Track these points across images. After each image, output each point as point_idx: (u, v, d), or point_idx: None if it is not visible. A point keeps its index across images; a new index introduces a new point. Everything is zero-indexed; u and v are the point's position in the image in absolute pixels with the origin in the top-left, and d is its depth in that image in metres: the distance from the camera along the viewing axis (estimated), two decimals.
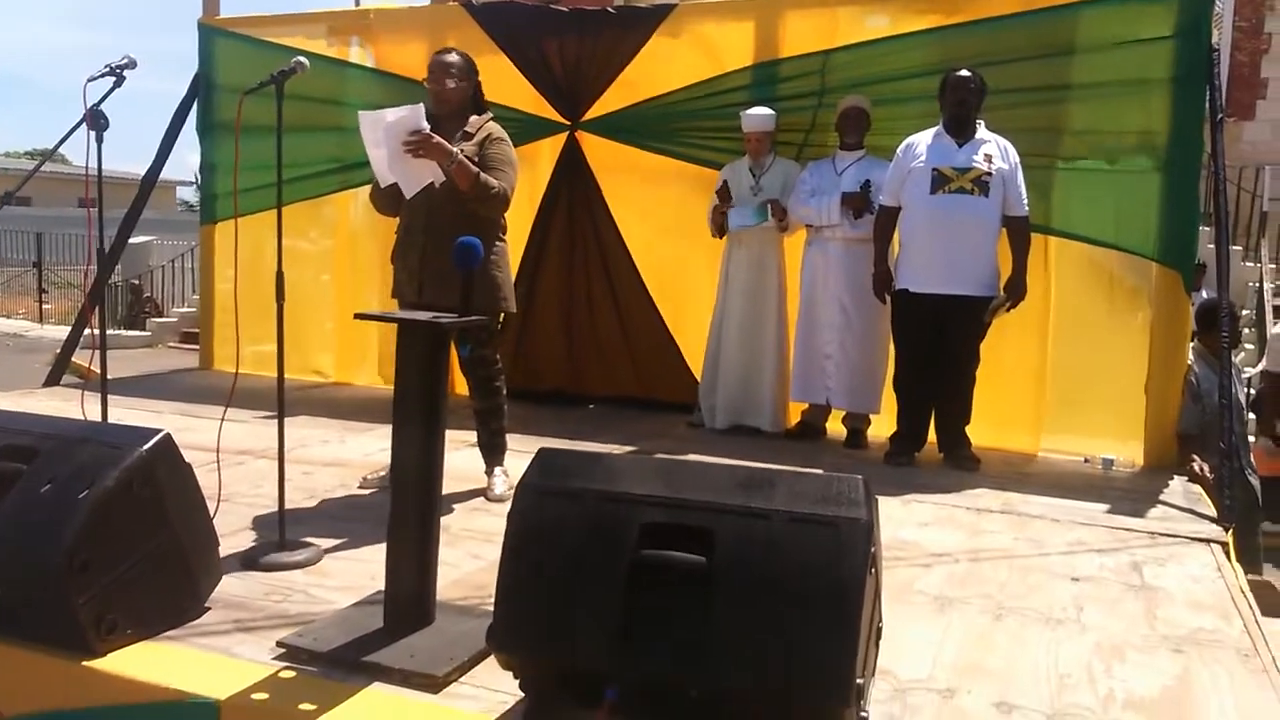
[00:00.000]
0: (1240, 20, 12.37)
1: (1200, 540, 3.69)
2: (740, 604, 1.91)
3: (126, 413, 4.72)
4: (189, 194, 32.38)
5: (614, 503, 2.05)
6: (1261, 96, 12.46)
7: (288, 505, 3.20)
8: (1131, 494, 4.36)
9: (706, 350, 5.45)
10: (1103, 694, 2.40)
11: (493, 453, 4.03)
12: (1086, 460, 4.97)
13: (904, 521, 3.74)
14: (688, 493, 2.04)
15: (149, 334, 11.98)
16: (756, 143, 5.25)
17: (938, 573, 3.25)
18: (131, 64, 3.59)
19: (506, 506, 3.69)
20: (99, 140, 3.44)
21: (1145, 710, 2.33)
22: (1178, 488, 4.49)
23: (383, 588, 2.62)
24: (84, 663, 2.33)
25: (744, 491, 2.02)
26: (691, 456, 4.63)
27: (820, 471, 2.15)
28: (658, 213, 5.77)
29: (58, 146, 3.66)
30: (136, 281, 13.92)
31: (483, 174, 3.61)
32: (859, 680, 1.86)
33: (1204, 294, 6.90)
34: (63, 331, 12.96)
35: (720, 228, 5.28)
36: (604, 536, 2.02)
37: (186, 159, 38.84)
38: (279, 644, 2.44)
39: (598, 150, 5.87)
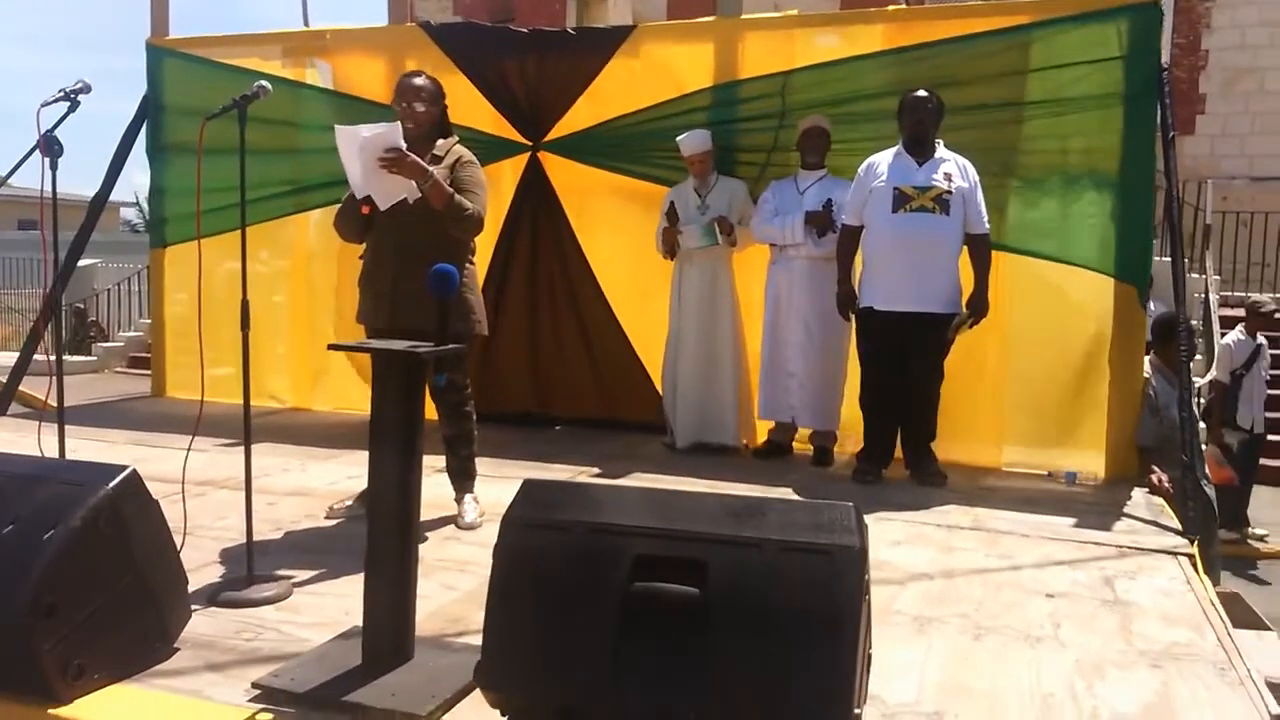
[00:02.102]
0: (1179, 38, 12.71)
1: (1167, 553, 3.74)
2: (736, 635, 1.89)
3: (79, 443, 4.55)
4: (133, 214, 31.72)
5: (604, 534, 2.02)
6: (1201, 111, 12.84)
7: (254, 538, 3.12)
8: (1096, 507, 4.42)
9: (664, 370, 5.46)
10: (1087, 712, 2.41)
11: (463, 479, 3.97)
12: (1050, 475, 5.04)
13: (876, 540, 3.67)
14: (679, 523, 2.01)
15: (95, 359, 11.67)
16: (699, 164, 5.29)
17: (914, 591, 3.25)
18: (86, 88, 3.50)
19: (478, 535, 3.73)
20: (53, 167, 3.34)
21: None
22: (1140, 500, 4.57)
23: (357, 622, 2.57)
24: (50, 710, 2.24)
25: (735, 521, 2.00)
26: (662, 478, 4.61)
27: (811, 500, 2.14)
28: (621, 232, 5.76)
29: (11, 173, 3.55)
30: (81, 305, 13.59)
31: (457, 195, 3.58)
32: (856, 710, 1.85)
33: (1152, 306, 7.05)
34: (3, 358, 12.60)
35: (670, 249, 5.30)
36: (594, 569, 1.99)
37: (132, 179, 38.14)
38: (255, 685, 2.37)
39: (560, 171, 5.85)
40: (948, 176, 4.61)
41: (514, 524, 2.09)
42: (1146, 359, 5.16)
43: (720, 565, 1.93)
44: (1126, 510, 4.38)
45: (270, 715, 2.26)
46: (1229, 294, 10.50)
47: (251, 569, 3.04)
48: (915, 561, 3.57)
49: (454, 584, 3.18)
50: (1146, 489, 4.75)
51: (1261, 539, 6.96)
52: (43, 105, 3.34)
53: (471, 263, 3.88)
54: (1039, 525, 4.06)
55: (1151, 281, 6.89)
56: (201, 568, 3.21)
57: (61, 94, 3.43)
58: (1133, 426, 4.95)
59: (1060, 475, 4.99)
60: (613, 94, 5.68)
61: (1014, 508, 4.34)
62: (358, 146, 3.37)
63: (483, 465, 4.07)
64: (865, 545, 1.96)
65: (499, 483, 4.10)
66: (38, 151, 3.34)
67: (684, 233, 5.23)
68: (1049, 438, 5.14)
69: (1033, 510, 4.30)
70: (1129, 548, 3.80)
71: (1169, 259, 4.76)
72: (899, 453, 4.88)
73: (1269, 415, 7.66)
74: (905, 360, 4.66)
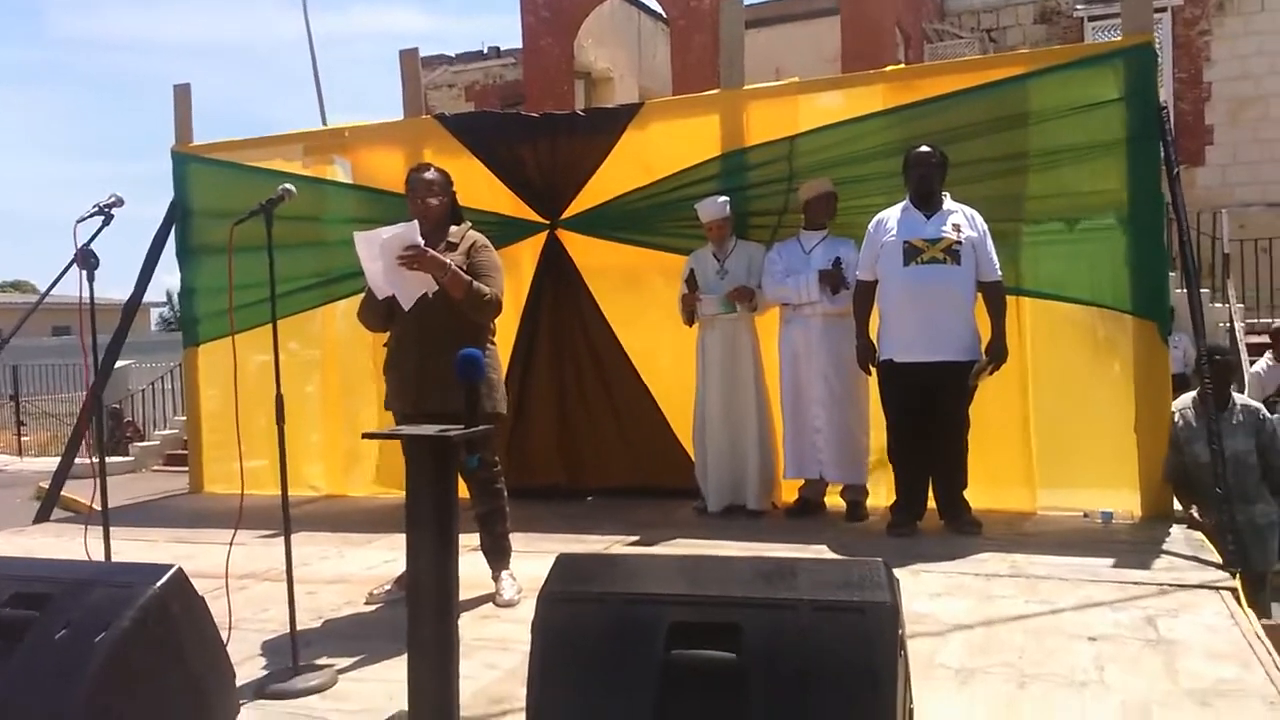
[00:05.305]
0: (1180, 72, 12.87)
1: (1209, 588, 3.71)
2: (774, 698, 1.91)
3: (123, 544, 4.64)
4: (165, 312, 32.48)
5: (639, 605, 2.06)
6: (1209, 142, 12.90)
7: (297, 628, 3.16)
8: (1134, 546, 4.39)
9: (694, 436, 5.49)
10: None
11: (498, 556, 4.01)
12: (1086, 515, 5.01)
13: (916, 593, 3.73)
14: (711, 588, 2.05)
15: (132, 459, 11.86)
16: (717, 230, 5.38)
17: (956, 643, 3.24)
18: (119, 202, 3.63)
19: (517, 611, 3.76)
20: (90, 279, 3.47)
21: None
22: (1179, 536, 4.53)
23: (402, 707, 2.59)
24: None
25: (767, 583, 2.03)
26: (696, 543, 4.63)
27: (840, 558, 2.17)
28: (643, 302, 5.87)
29: (49, 289, 3.68)
30: (117, 406, 13.82)
31: (475, 282, 3.69)
32: None
33: (1175, 339, 7.03)
34: (43, 463, 12.83)
35: (690, 315, 5.38)
36: (632, 640, 2.02)
37: (161, 280, 39.27)
38: None
39: (579, 246, 5.98)
40: (956, 227, 4.69)
41: (550, 599, 2.13)
42: (1192, 394, 5.09)
43: (754, 628, 1.96)
44: (1165, 547, 4.35)
45: None
46: (1254, 321, 10.42)
47: (296, 659, 3.09)
48: (955, 612, 3.56)
49: (495, 662, 3.20)
50: (1185, 524, 4.71)
51: None
52: (78, 221, 3.47)
53: (493, 343, 3.97)
54: (1078, 568, 4.04)
55: (1173, 314, 6.92)
56: (247, 660, 3.25)
57: (96, 209, 3.56)
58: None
59: (1096, 516, 4.96)
60: (625, 169, 5.81)
61: (1051, 551, 4.32)
62: (378, 248, 3.50)
63: (516, 540, 4.11)
64: (897, 600, 1.98)
65: (534, 557, 4.11)
66: (75, 266, 3.48)
67: (703, 300, 5.31)
68: (1082, 478, 5.12)
69: (1070, 553, 4.27)
70: (1170, 585, 3.77)
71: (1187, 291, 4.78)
72: (933, 503, 4.88)
73: None
74: (930, 410, 4.69)
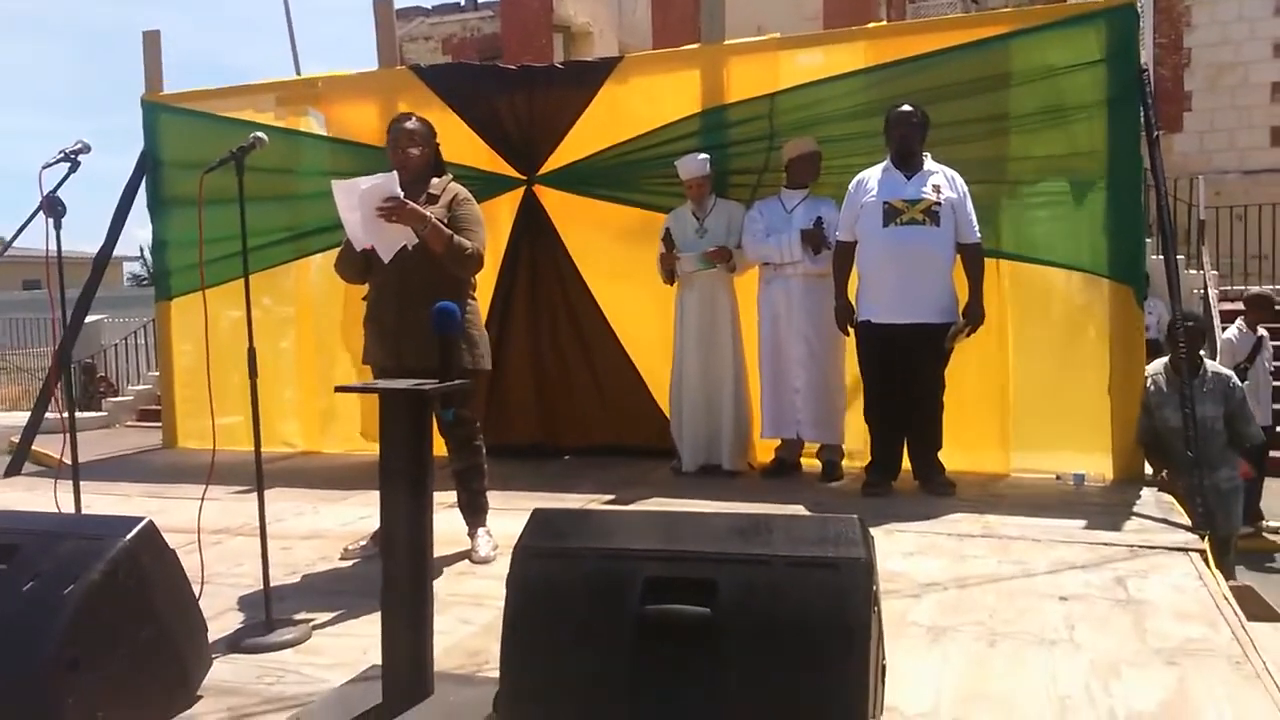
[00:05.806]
0: (1160, 37, 12.84)
1: (1178, 550, 3.75)
2: (748, 652, 1.91)
3: (95, 498, 4.59)
4: (137, 268, 32.07)
5: (614, 559, 2.05)
6: (1187, 109, 12.92)
7: (270, 583, 3.15)
8: (1106, 508, 4.43)
9: (670, 395, 5.49)
10: (1104, 712, 2.43)
11: (475, 513, 4.00)
12: (1058, 478, 5.05)
13: (889, 552, 3.76)
14: (687, 544, 2.04)
15: (105, 414, 11.72)
16: (697, 188, 5.33)
17: (928, 602, 3.27)
18: (85, 148, 3.55)
19: (493, 568, 3.76)
20: (57, 227, 3.40)
21: None
22: (1149, 498, 4.58)
23: (376, 661, 2.59)
24: None
25: (742, 538, 2.03)
26: (672, 502, 4.64)
27: (815, 514, 2.17)
28: (621, 260, 5.81)
29: (15, 236, 3.60)
30: (90, 360, 13.66)
31: (456, 236, 3.64)
32: None
33: (1150, 304, 7.08)
34: (13, 418, 12.66)
35: (670, 274, 5.35)
36: (606, 594, 2.02)
37: (134, 234, 38.72)
38: None
39: (556, 202, 5.91)
40: (936, 188, 4.67)
41: (525, 554, 2.12)
42: (1164, 359, 5.13)
43: (729, 583, 1.95)
44: (1136, 509, 4.39)
45: None
46: (1228, 288, 10.51)
47: (270, 614, 3.07)
48: (928, 571, 3.58)
49: (470, 618, 3.20)
50: (1156, 487, 4.76)
51: (1276, 532, 6.94)
52: (44, 167, 3.39)
53: (473, 298, 3.93)
54: (1049, 529, 4.08)
55: (1148, 279, 6.96)
56: (221, 615, 3.24)
57: (62, 155, 3.48)
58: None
59: (1068, 478, 5.00)
60: (603, 124, 5.74)
61: (1024, 513, 4.35)
62: (356, 199, 3.44)
63: (493, 498, 4.10)
64: (872, 556, 1.98)
65: (511, 515, 4.10)
66: (41, 213, 3.40)
67: (681, 258, 5.28)
68: (1055, 441, 5.15)
69: (1042, 514, 4.31)
70: (1140, 546, 3.82)
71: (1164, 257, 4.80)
72: (907, 464, 4.90)
73: (1275, 407, 7.65)
74: (906, 372, 4.70)
